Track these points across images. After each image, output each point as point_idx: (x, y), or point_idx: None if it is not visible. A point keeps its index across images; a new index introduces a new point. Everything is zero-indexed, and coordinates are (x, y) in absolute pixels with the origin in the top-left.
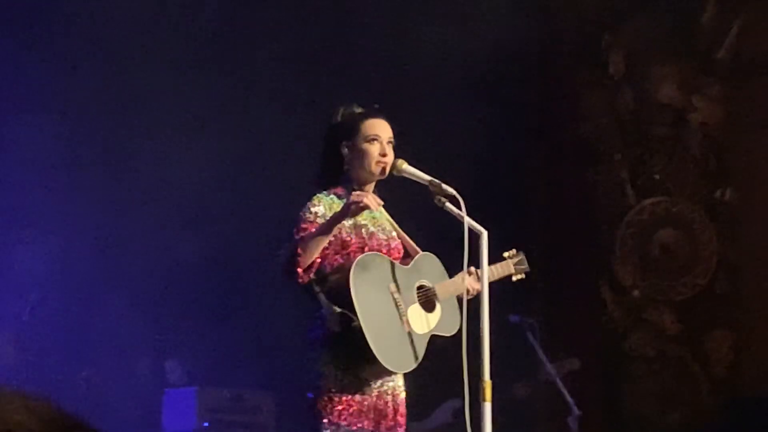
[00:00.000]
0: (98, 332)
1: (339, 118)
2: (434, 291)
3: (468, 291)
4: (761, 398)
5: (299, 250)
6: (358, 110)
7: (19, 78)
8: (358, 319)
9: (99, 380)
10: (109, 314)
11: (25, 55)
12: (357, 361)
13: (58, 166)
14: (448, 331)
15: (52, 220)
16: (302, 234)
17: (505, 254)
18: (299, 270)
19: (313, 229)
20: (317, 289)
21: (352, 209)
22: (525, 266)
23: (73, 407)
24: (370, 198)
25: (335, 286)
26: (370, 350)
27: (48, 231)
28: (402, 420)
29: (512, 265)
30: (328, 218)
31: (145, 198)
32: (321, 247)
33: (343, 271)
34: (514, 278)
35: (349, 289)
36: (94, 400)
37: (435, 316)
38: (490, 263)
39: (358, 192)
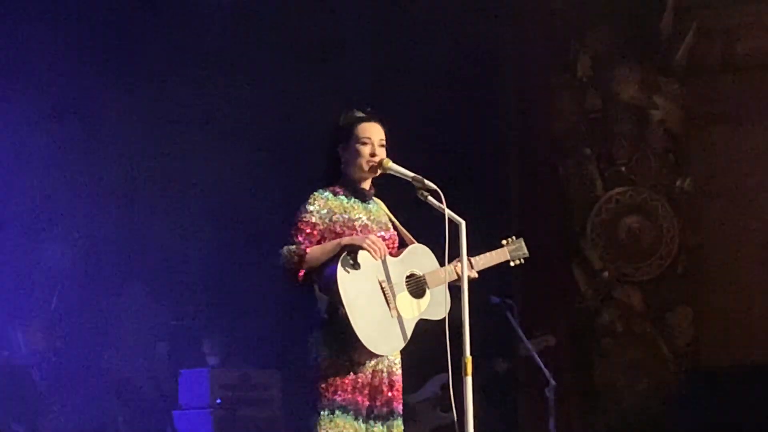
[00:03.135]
0: (119, 319)
1: (339, 124)
2: (424, 279)
3: (459, 277)
4: (718, 366)
5: (302, 262)
6: (357, 115)
7: (43, 87)
8: (344, 307)
9: (121, 362)
10: (128, 303)
11: (48, 66)
12: (346, 345)
13: (82, 169)
14: (437, 316)
15: (76, 219)
16: (300, 238)
17: (503, 241)
18: (299, 277)
19: (309, 231)
20: (313, 279)
21: (355, 245)
22: (523, 252)
23: (97, 387)
24: (373, 245)
25: (325, 278)
26: (356, 335)
27: (73, 229)
28: (398, 395)
29: (508, 252)
30: (329, 221)
31: (162, 197)
32: (318, 263)
33: (333, 265)
34: (511, 264)
35: (336, 281)
36: (116, 381)
37: (424, 302)
38: (475, 253)
39: (371, 241)
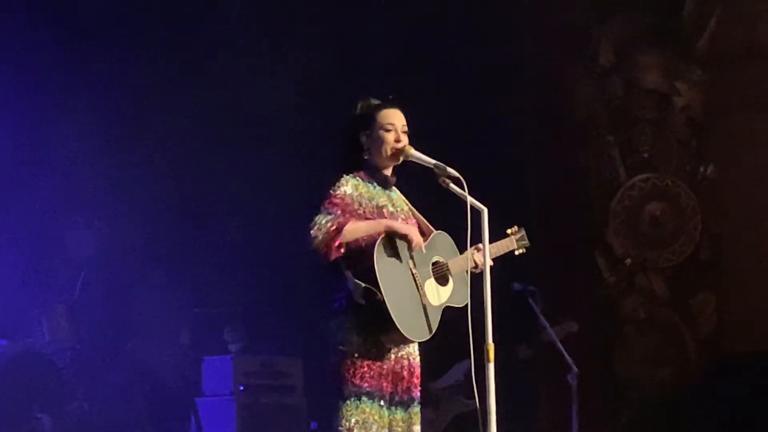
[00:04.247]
0: (142, 307)
1: (358, 111)
2: (447, 266)
3: (476, 265)
4: (741, 354)
5: (339, 233)
6: (375, 102)
7: (70, 81)
8: (381, 293)
9: (144, 350)
10: (151, 291)
11: (76, 63)
12: (379, 330)
13: (105, 158)
14: (460, 302)
15: (99, 207)
16: (337, 211)
17: (508, 231)
18: (334, 250)
19: (344, 206)
20: (343, 265)
21: (396, 233)
22: (526, 241)
23: (121, 375)
24: (415, 237)
25: (361, 264)
26: (392, 321)
27: (96, 216)
28: (417, 381)
29: (515, 241)
30: (363, 203)
31: (184, 185)
32: (354, 238)
33: (368, 250)
34: (516, 252)
35: (374, 266)
36: (139, 368)
37: (448, 289)
38: (494, 239)
39: (413, 233)
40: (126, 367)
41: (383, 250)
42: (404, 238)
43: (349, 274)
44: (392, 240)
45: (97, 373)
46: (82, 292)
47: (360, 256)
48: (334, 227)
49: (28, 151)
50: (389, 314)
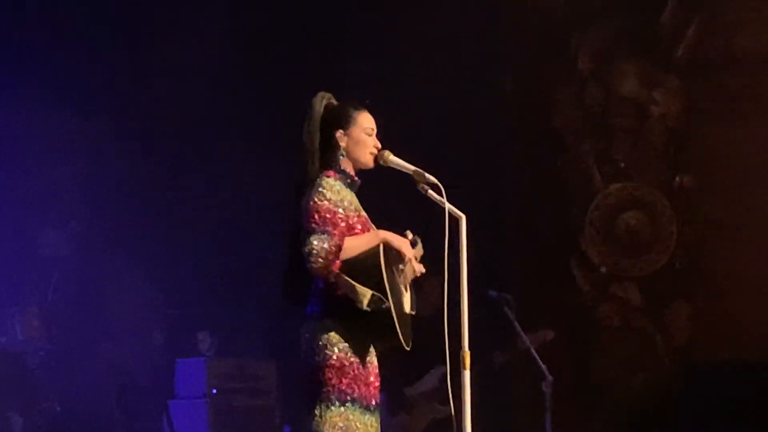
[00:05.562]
0: (115, 308)
1: (321, 108)
2: (406, 274)
3: (414, 271)
4: (714, 363)
5: (339, 252)
6: (334, 100)
7: (43, 77)
8: (389, 301)
9: (117, 351)
10: (125, 291)
11: (49, 56)
12: (374, 338)
13: (79, 157)
14: (415, 309)
15: (73, 207)
16: (330, 229)
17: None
18: (334, 270)
19: (334, 219)
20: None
21: (392, 243)
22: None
23: (93, 376)
24: (408, 251)
25: (364, 268)
26: (395, 329)
27: (70, 216)
28: (378, 383)
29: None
30: (351, 212)
31: (159, 187)
32: (353, 255)
33: (371, 254)
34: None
35: (382, 274)
36: (112, 369)
37: (409, 296)
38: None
39: (408, 247)
40: (99, 367)
41: (385, 255)
42: (403, 252)
43: (345, 280)
44: (387, 249)
45: (69, 373)
46: (56, 292)
47: (362, 260)
48: (332, 249)
49: (1, 148)
50: (393, 322)
